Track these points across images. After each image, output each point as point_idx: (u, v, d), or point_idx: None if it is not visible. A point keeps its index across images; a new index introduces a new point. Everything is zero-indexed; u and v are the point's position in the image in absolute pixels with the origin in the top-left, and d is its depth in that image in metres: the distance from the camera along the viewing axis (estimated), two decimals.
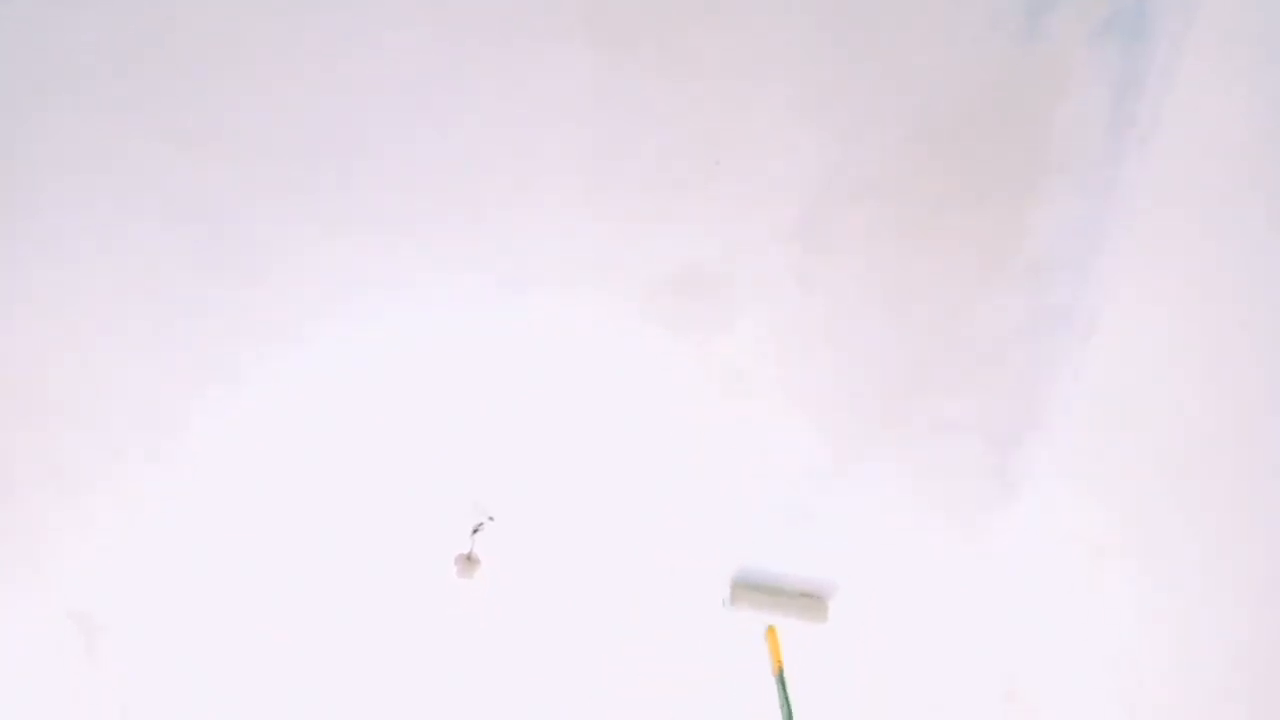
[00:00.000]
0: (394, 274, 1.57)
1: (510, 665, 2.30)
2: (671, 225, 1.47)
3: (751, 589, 1.97)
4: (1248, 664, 1.14)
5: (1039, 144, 1.32)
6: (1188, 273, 1.25)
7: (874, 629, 2.08)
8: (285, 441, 1.86)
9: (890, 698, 2.23)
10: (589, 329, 1.62)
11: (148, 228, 1.52)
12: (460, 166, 1.42)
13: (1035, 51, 1.23)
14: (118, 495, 1.96)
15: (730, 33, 1.26)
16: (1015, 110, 1.29)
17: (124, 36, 1.30)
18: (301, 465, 1.90)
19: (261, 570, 2.11)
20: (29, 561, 2.10)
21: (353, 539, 2.04)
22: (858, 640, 2.10)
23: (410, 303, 1.61)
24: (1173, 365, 1.29)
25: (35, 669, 2.23)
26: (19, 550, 2.07)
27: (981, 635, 2.02)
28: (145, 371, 1.74)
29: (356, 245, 1.53)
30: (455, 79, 1.33)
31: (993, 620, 1.99)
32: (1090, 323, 1.49)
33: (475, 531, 1.94)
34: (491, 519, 1.94)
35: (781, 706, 1.85)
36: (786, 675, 1.92)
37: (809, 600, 1.98)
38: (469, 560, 1.93)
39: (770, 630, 1.99)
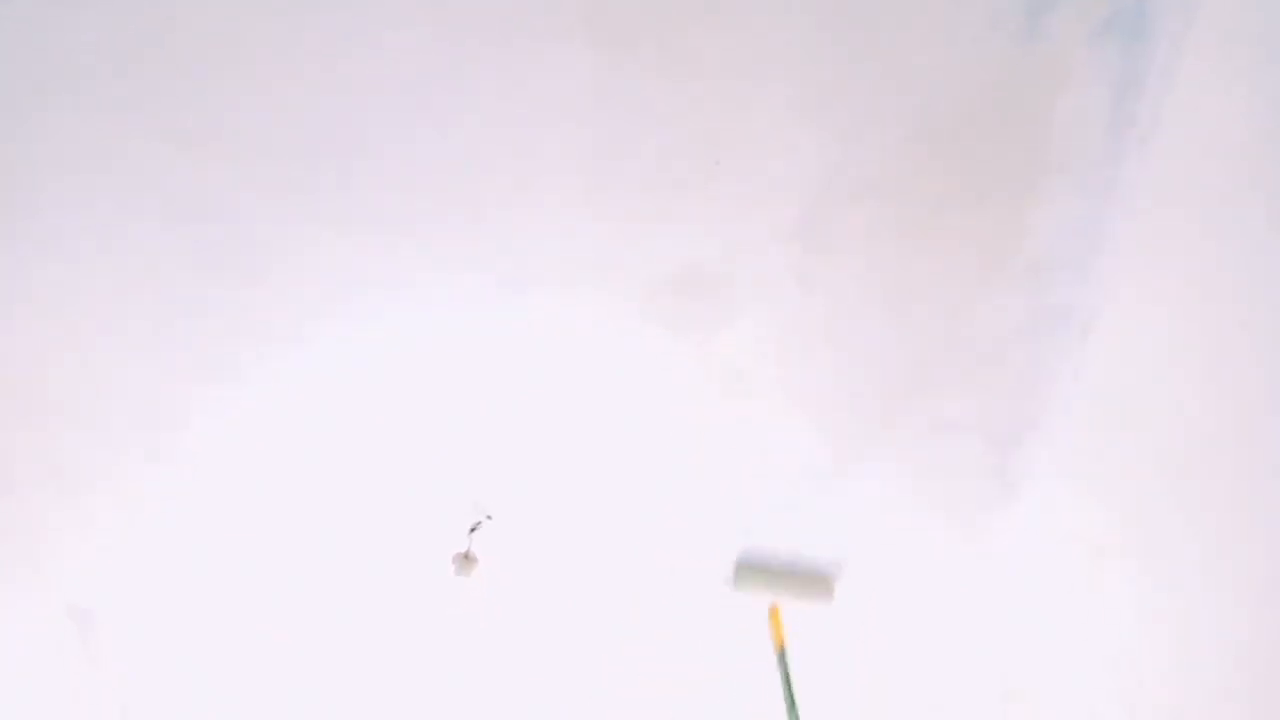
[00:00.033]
0: (394, 274, 1.57)
1: (509, 662, 2.30)
2: (671, 225, 1.47)
3: (756, 570, 1.95)
4: (1248, 664, 1.14)
5: (1039, 144, 1.32)
6: (1188, 273, 1.25)
7: (873, 628, 2.08)
8: (285, 441, 1.86)
9: (890, 697, 2.23)
10: (589, 329, 1.62)
11: (148, 227, 1.52)
12: (460, 166, 1.42)
13: (1035, 51, 1.23)
14: (118, 494, 1.97)
15: (730, 33, 1.26)
16: (1015, 110, 1.29)
17: (124, 36, 1.30)
18: (301, 464, 1.90)
19: (261, 569, 2.11)
20: (29, 560, 2.10)
21: (353, 538, 2.04)
22: (857, 640, 2.10)
23: (410, 302, 1.61)
24: (1173, 365, 1.29)
25: (35, 668, 2.23)
26: (19, 549, 2.08)
27: (981, 635, 2.02)
28: (145, 371, 1.74)
29: (357, 245, 1.53)
30: (455, 79, 1.33)
31: (992, 620, 1.99)
32: (1090, 323, 1.49)
33: (473, 530, 1.95)
34: (490, 517, 1.94)
35: (783, 686, 1.83)
36: (788, 655, 1.89)
37: (814, 580, 1.95)
38: (467, 558, 1.94)
39: (773, 609, 1.97)
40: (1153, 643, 1.39)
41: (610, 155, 1.39)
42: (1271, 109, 1.03)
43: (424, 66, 1.32)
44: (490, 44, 1.29)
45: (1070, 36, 1.21)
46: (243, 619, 2.23)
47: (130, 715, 2.37)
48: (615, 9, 1.25)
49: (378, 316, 1.64)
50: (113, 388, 1.77)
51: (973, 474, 1.75)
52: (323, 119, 1.38)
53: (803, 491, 1.84)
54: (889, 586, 1.99)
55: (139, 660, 2.30)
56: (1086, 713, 1.62)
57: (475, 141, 1.39)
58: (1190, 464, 1.25)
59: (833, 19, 1.24)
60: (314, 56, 1.32)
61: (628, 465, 1.85)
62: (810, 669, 2.05)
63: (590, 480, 1.89)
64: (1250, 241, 1.09)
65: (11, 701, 2.23)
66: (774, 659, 1.94)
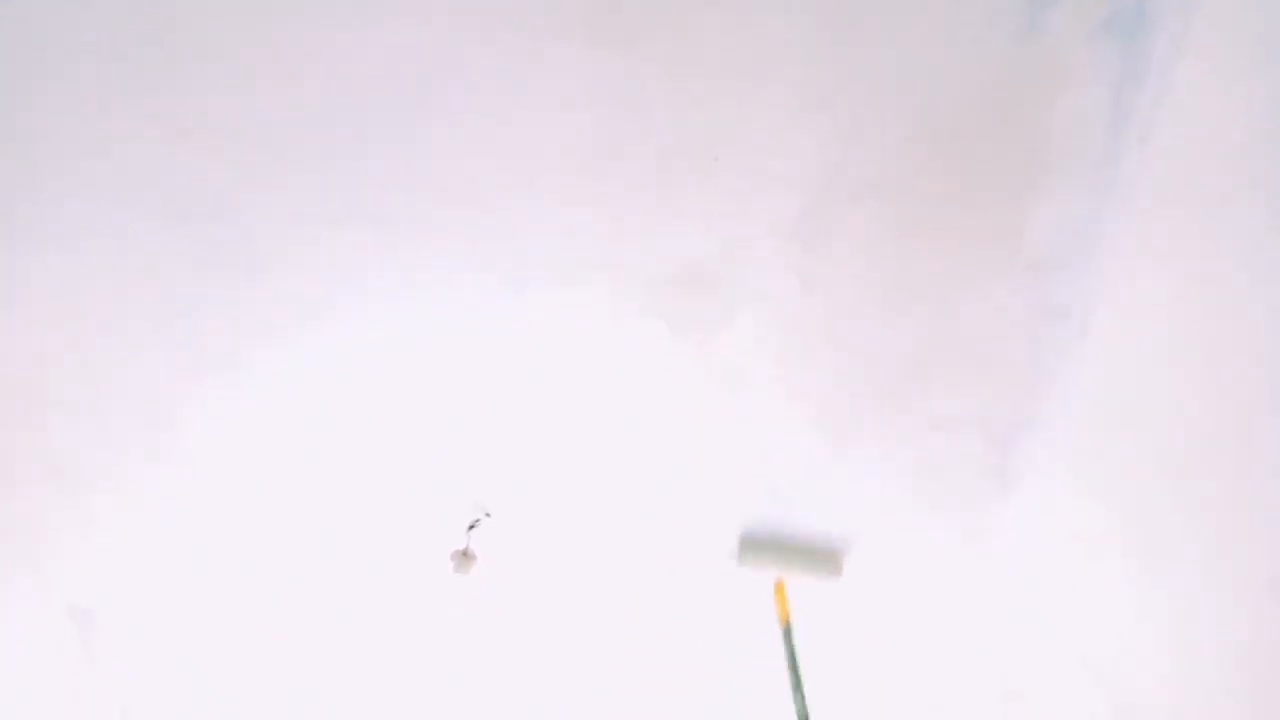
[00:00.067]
0: (394, 272, 1.57)
1: (510, 658, 2.30)
2: (672, 224, 1.47)
3: (762, 544, 1.91)
4: (1247, 664, 1.14)
5: (1039, 143, 1.32)
6: (1187, 272, 1.25)
7: (872, 627, 2.08)
8: (285, 439, 1.86)
9: (888, 696, 2.23)
10: (589, 327, 1.62)
11: (148, 226, 1.52)
12: (460, 165, 1.42)
13: (1035, 50, 1.23)
14: (117, 493, 1.97)
15: (730, 32, 1.26)
16: (1015, 109, 1.29)
17: (123, 34, 1.30)
18: (301, 463, 1.90)
19: (261, 569, 2.11)
20: (28, 559, 2.10)
21: (353, 537, 2.04)
22: (856, 639, 2.10)
23: (410, 301, 1.61)
24: (1172, 364, 1.29)
25: (34, 667, 2.23)
26: (18, 548, 2.08)
27: (980, 634, 2.02)
28: (145, 370, 1.74)
29: (357, 244, 1.53)
30: (456, 77, 1.33)
31: (991, 619, 1.99)
32: (1089, 321, 1.49)
33: (471, 528, 1.95)
34: (488, 515, 1.94)
35: (788, 664, 1.80)
36: (794, 631, 1.86)
37: (823, 554, 1.90)
38: (465, 556, 1.94)
39: (779, 584, 1.94)
40: (1152, 642, 1.39)
41: (611, 154, 1.40)
42: (1271, 108, 1.03)
43: (424, 65, 1.32)
44: (491, 42, 1.29)
45: (1070, 35, 1.21)
46: (242, 618, 2.23)
47: (130, 715, 2.37)
48: (616, 8, 1.25)
49: (378, 315, 1.64)
50: (113, 387, 1.77)
51: (972, 472, 1.75)
52: (323, 118, 1.38)
53: (802, 490, 1.84)
54: (887, 584, 1.99)
55: (139, 660, 2.30)
56: (1085, 712, 1.62)
57: (475, 140, 1.40)
58: (1190, 463, 1.25)
59: (833, 19, 1.24)
60: (315, 56, 1.32)
61: (627, 463, 1.85)
62: (808, 669, 2.05)
63: (589, 479, 1.89)
64: (1250, 241, 1.09)
65: (11, 701, 2.24)
66: (779, 642, 1.89)
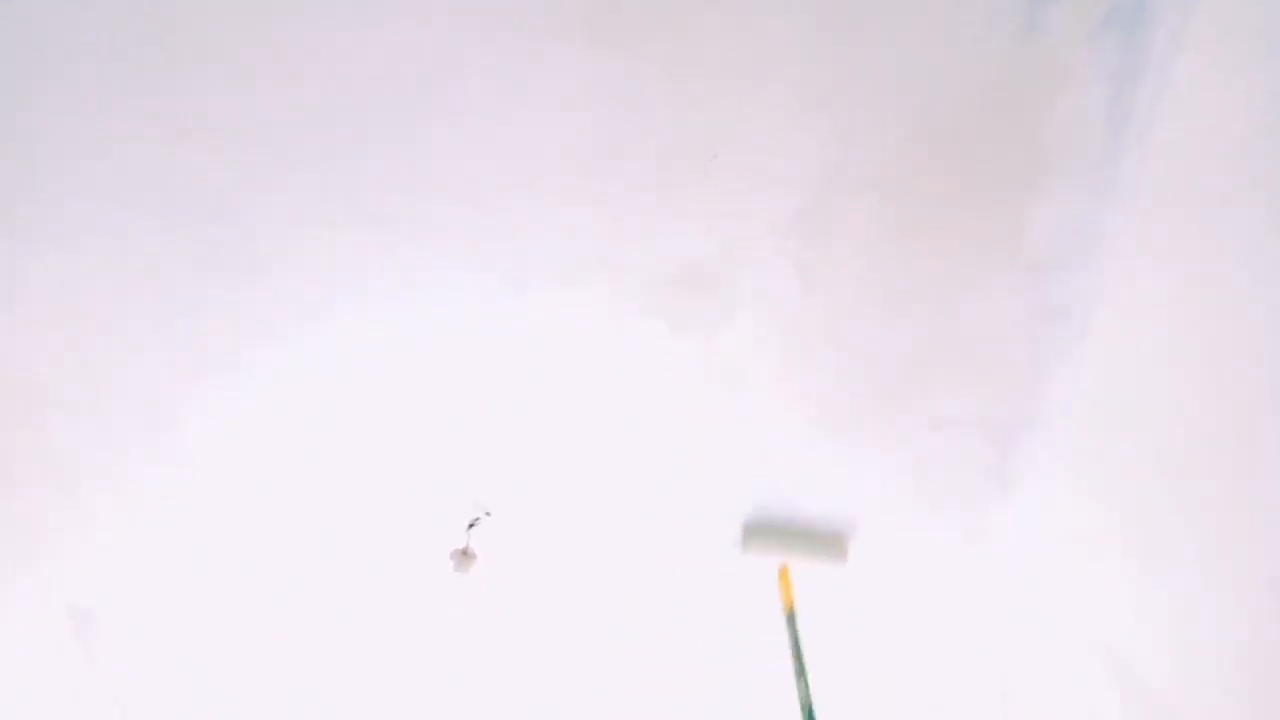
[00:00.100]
0: (394, 272, 1.57)
1: (508, 657, 2.31)
2: (672, 223, 1.47)
3: (765, 530, 1.88)
4: (1247, 663, 1.13)
5: (1038, 141, 1.32)
6: (1187, 271, 1.24)
7: (872, 627, 2.08)
8: (285, 439, 1.86)
9: (888, 696, 2.23)
10: (589, 326, 1.62)
11: (148, 226, 1.52)
12: (460, 165, 1.42)
13: (1034, 48, 1.23)
14: (117, 493, 1.97)
15: (730, 32, 1.26)
16: (1015, 108, 1.29)
17: (122, 34, 1.30)
18: (301, 463, 1.90)
19: (260, 568, 2.11)
20: (28, 559, 2.10)
21: (352, 536, 2.04)
22: (855, 639, 2.10)
23: (410, 300, 1.61)
24: (1172, 363, 1.29)
25: (34, 666, 2.23)
26: (18, 547, 2.08)
27: (979, 633, 2.02)
28: (145, 370, 1.74)
29: (357, 243, 1.53)
30: (455, 77, 1.33)
31: (991, 618, 1.99)
32: (1089, 320, 1.49)
33: (471, 527, 1.95)
34: (488, 514, 1.94)
35: (792, 650, 1.78)
36: (798, 617, 1.83)
37: (828, 539, 1.88)
38: (465, 555, 1.94)
39: (783, 570, 1.92)
40: (1152, 641, 1.39)
41: (611, 154, 1.40)
42: (1271, 104, 1.03)
43: (424, 65, 1.32)
44: (491, 42, 1.29)
45: (1069, 32, 1.21)
46: (242, 617, 2.23)
47: (129, 714, 2.37)
48: (615, 8, 1.25)
49: (378, 314, 1.64)
50: (113, 387, 1.77)
51: (972, 472, 1.75)
52: (323, 117, 1.38)
53: (801, 489, 1.84)
54: (886, 583, 1.99)
55: (138, 659, 2.30)
56: (1085, 712, 1.62)
57: (475, 140, 1.40)
58: (1189, 462, 1.25)
59: (833, 19, 1.24)
60: (315, 55, 1.32)
61: (627, 463, 1.85)
62: (809, 667, 2.05)
63: (589, 479, 1.89)
64: (1250, 240, 1.09)
65: (10, 701, 2.24)
66: (781, 632, 1.86)
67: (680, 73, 1.30)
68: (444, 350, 1.69)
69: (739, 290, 1.55)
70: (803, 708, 1.69)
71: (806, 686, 1.72)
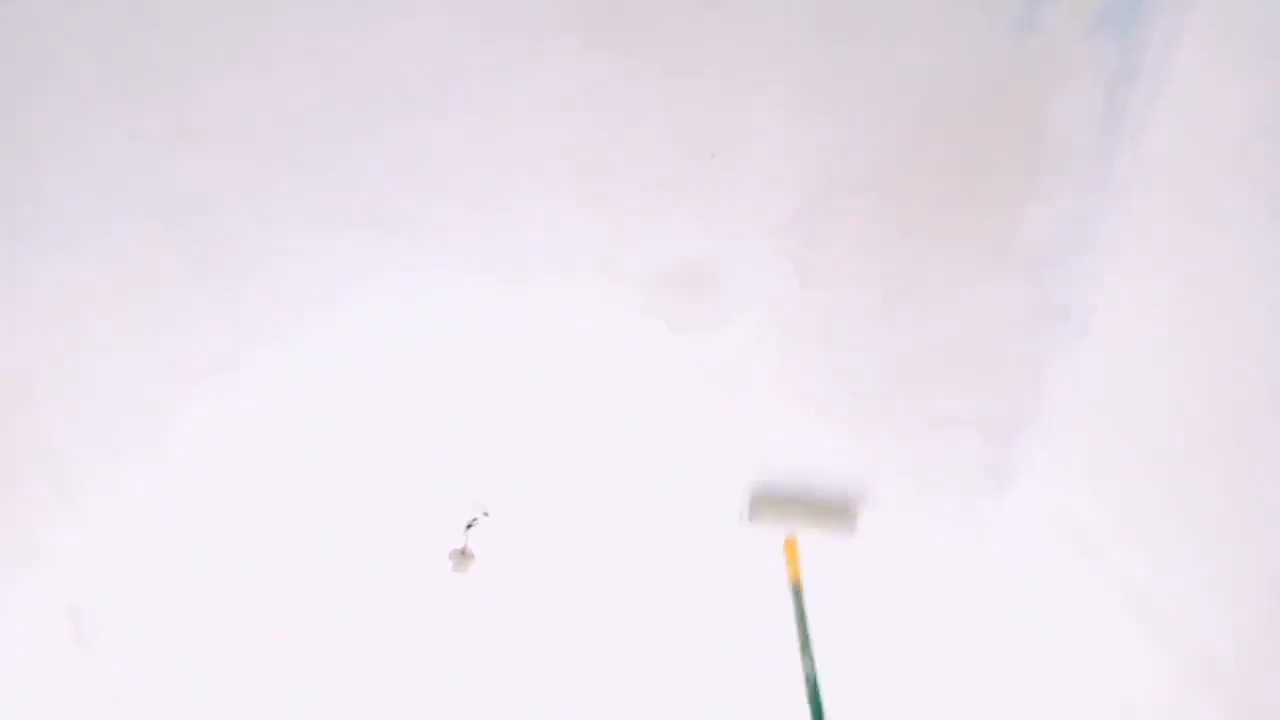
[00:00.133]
0: (391, 270, 1.57)
1: (507, 657, 2.30)
2: (671, 222, 1.47)
3: (774, 502, 1.84)
4: (1247, 663, 1.14)
5: (1035, 140, 1.32)
6: (1185, 268, 1.25)
7: (871, 626, 2.08)
8: (283, 439, 1.86)
9: (887, 695, 2.23)
10: (588, 325, 1.62)
11: (143, 225, 1.52)
12: (458, 163, 1.42)
13: (1031, 47, 1.23)
14: (114, 492, 1.96)
15: (730, 31, 1.26)
16: (1013, 107, 1.29)
17: (123, 34, 1.29)
18: (299, 462, 1.90)
19: (257, 567, 2.11)
20: (25, 557, 2.09)
21: (351, 536, 2.04)
22: (854, 638, 2.10)
23: (408, 299, 1.61)
24: (1170, 361, 1.29)
25: (30, 665, 2.23)
26: (17, 548, 2.07)
27: (979, 632, 2.03)
28: (141, 368, 1.74)
29: (354, 242, 1.53)
30: (453, 75, 1.33)
31: (990, 617, 1.99)
32: (1087, 318, 1.49)
33: (469, 526, 1.95)
34: (486, 514, 1.94)
35: (797, 623, 1.75)
36: (804, 591, 1.80)
37: (836, 511, 1.84)
38: (463, 555, 1.94)
39: (790, 542, 1.88)
40: (1151, 641, 1.39)
41: (610, 153, 1.40)
42: (1268, 103, 1.03)
43: (421, 63, 1.32)
44: (491, 42, 1.29)
45: (1066, 30, 1.21)
46: (241, 617, 2.23)
47: (128, 713, 2.37)
48: (615, 8, 1.25)
49: (375, 313, 1.63)
50: (111, 386, 1.77)
51: (970, 469, 1.75)
52: (319, 115, 1.38)
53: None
54: (886, 582, 1.99)
55: (137, 659, 2.30)
56: (1085, 711, 1.62)
57: (473, 138, 1.39)
58: (1188, 460, 1.25)
59: (832, 19, 1.24)
60: (315, 55, 1.32)
61: (627, 463, 1.85)
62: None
63: (589, 479, 1.89)
64: (1248, 238, 1.09)
65: (9, 701, 2.23)
66: (784, 623, 1.83)
67: (680, 72, 1.30)
68: (443, 350, 1.69)
69: (738, 290, 1.55)
70: (808, 681, 1.66)
71: (812, 660, 1.69)
